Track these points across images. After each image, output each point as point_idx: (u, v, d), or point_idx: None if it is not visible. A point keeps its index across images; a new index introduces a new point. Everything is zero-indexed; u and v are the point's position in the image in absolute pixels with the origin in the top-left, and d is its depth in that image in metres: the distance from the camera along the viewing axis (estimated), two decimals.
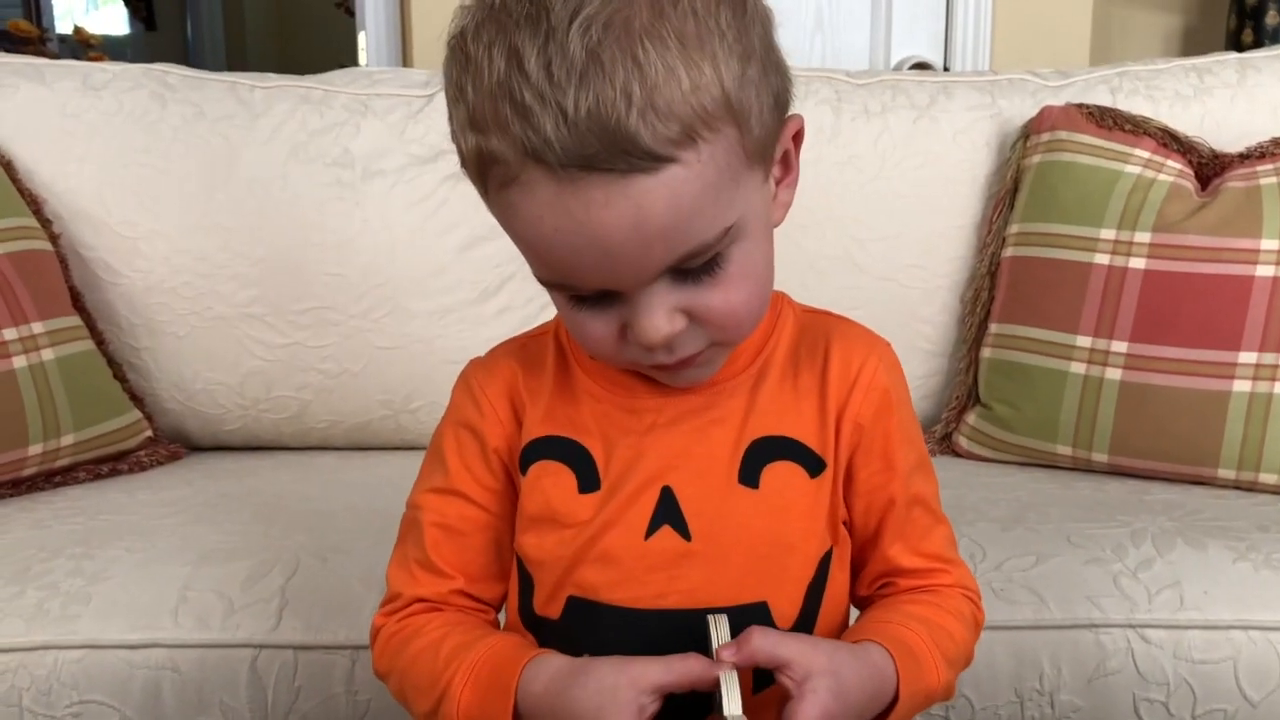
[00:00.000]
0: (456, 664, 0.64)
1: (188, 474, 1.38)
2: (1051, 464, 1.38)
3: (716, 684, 0.58)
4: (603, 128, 0.53)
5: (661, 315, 0.59)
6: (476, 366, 0.73)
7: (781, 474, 0.67)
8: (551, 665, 0.62)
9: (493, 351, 0.74)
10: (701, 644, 0.61)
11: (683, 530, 0.66)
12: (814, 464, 0.67)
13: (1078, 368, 1.34)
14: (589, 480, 0.67)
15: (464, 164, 0.60)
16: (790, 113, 0.63)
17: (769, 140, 0.61)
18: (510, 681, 0.62)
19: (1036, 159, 1.46)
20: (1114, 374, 1.32)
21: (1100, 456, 1.33)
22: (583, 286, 0.59)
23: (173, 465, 1.43)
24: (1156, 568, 1.04)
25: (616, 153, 0.53)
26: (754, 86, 0.57)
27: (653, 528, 0.66)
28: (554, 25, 0.53)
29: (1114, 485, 1.29)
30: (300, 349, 1.45)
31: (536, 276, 0.61)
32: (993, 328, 1.44)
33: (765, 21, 0.59)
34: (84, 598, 1.00)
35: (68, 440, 1.31)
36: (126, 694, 0.97)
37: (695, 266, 0.59)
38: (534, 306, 1.49)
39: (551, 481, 0.68)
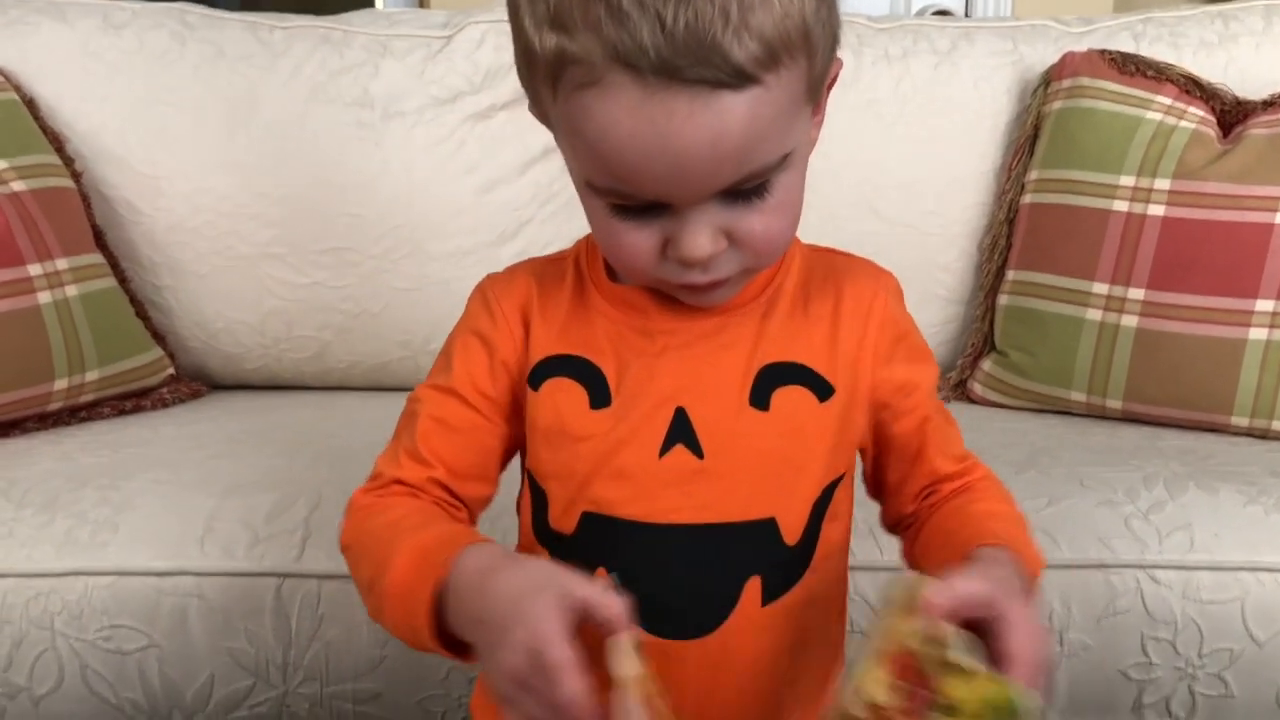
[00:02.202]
0: (408, 540, 0.63)
1: (210, 411, 1.40)
2: (1066, 410, 1.38)
3: (622, 627, 0.56)
4: (699, 41, 0.54)
5: (706, 234, 0.61)
6: (494, 279, 0.74)
7: (791, 397, 0.69)
8: (487, 550, 0.61)
9: (511, 268, 0.75)
10: (716, 555, 0.63)
11: (695, 449, 0.67)
12: (822, 389, 0.69)
13: (1094, 314, 1.35)
14: (600, 396, 0.69)
15: (530, 64, 0.60)
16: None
17: (823, 77, 0.62)
18: (447, 559, 0.60)
19: (1057, 105, 1.45)
20: (1130, 321, 1.32)
21: (1114, 403, 1.34)
22: (640, 196, 0.60)
23: (195, 402, 1.45)
24: (1168, 510, 1.05)
25: (708, 66, 0.55)
26: (824, 23, 0.59)
27: (666, 446, 0.67)
28: None
29: (1128, 431, 1.30)
30: (320, 289, 1.46)
31: (586, 182, 0.62)
32: (1010, 274, 1.45)
33: None
34: (112, 526, 1.02)
35: (92, 376, 1.32)
36: (154, 620, 0.99)
37: (747, 189, 0.60)
38: (551, 250, 1.48)
39: (564, 397, 0.69)
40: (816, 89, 0.63)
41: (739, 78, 0.56)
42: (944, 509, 0.73)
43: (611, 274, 0.71)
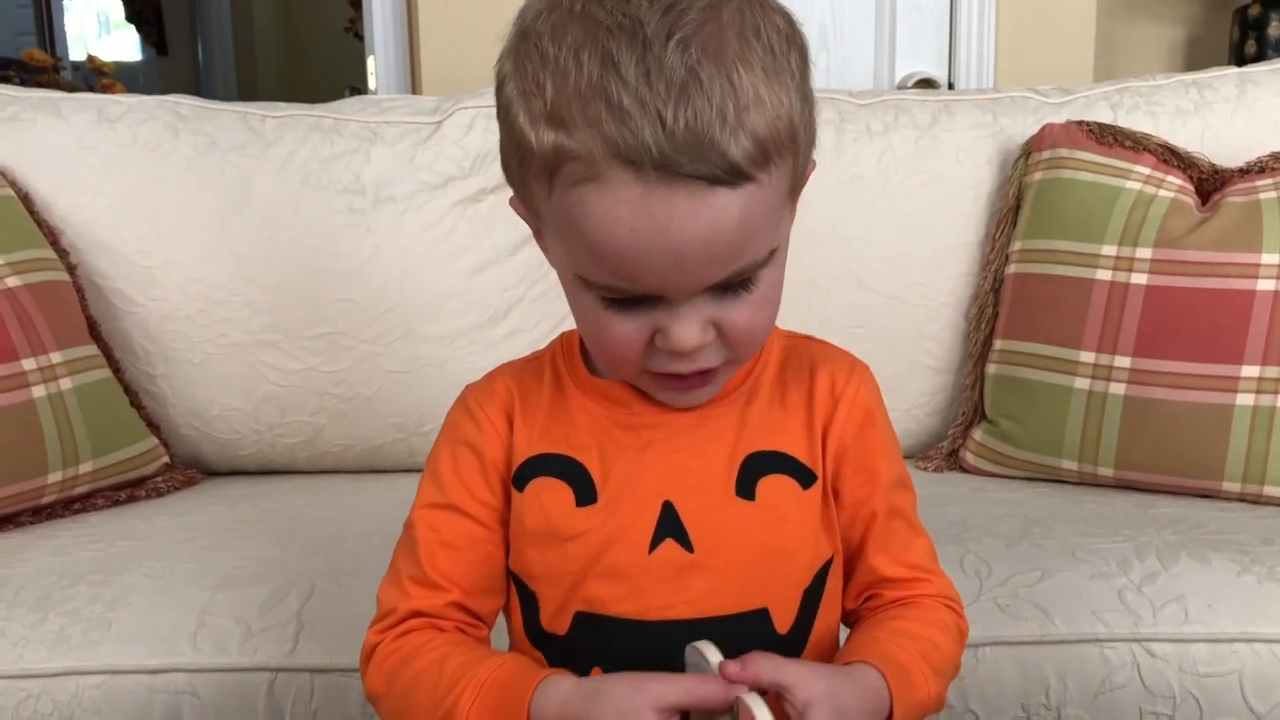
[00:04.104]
0: (463, 684, 0.65)
1: (204, 499, 1.40)
2: (1057, 479, 1.39)
3: (731, 707, 0.59)
4: (698, 139, 0.56)
5: (696, 325, 0.62)
6: (472, 388, 0.75)
7: (776, 486, 0.70)
8: (563, 686, 0.63)
9: (489, 375, 0.76)
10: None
11: (685, 543, 0.68)
12: (805, 476, 0.70)
13: (1082, 383, 1.36)
14: (585, 494, 0.69)
15: (523, 160, 0.61)
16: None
17: (804, 175, 0.65)
18: (521, 703, 0.62)
19: (1038, 176, 1.47)
20: (1118, 389, 1.33)
21: (1105, 471, 1.34)
22: (636, 289, 0.61)
23: (189, 490, 1.45)
24: (1161, 581, 1.05)
25: (707, 164, 0.57)
26: (806, 124, 0.62)
27: (656, 541, 0.68)
28: (650, 39, 0.56)
29: (1119, 499, 1.30)
30: (314, 374, 1.47)
31: (578, 276, 0.63)
32: (997, 344, 1.46)
33: (811, 69, 0.63)
34: (104, 624, 1.02)
35: (86, 468, 1.33)
36: (147, 718, 0.98)
37: (735, 283, 0.62)
38: (542, 329, 1.52)
39: (549, 497, 0.70)
40: (798, 187, 0.65)
41: (735, 175, 0.57)
42: (872, 617, 0.73)
43: (590, 369, 0.73)
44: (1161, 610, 1.03)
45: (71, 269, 1.44)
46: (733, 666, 0.60)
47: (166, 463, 1.45)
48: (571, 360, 0.73)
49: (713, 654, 0.62)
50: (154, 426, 1.46)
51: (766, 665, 0.60)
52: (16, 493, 1.26)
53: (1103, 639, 1.02)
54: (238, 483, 1.49)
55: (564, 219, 0.61)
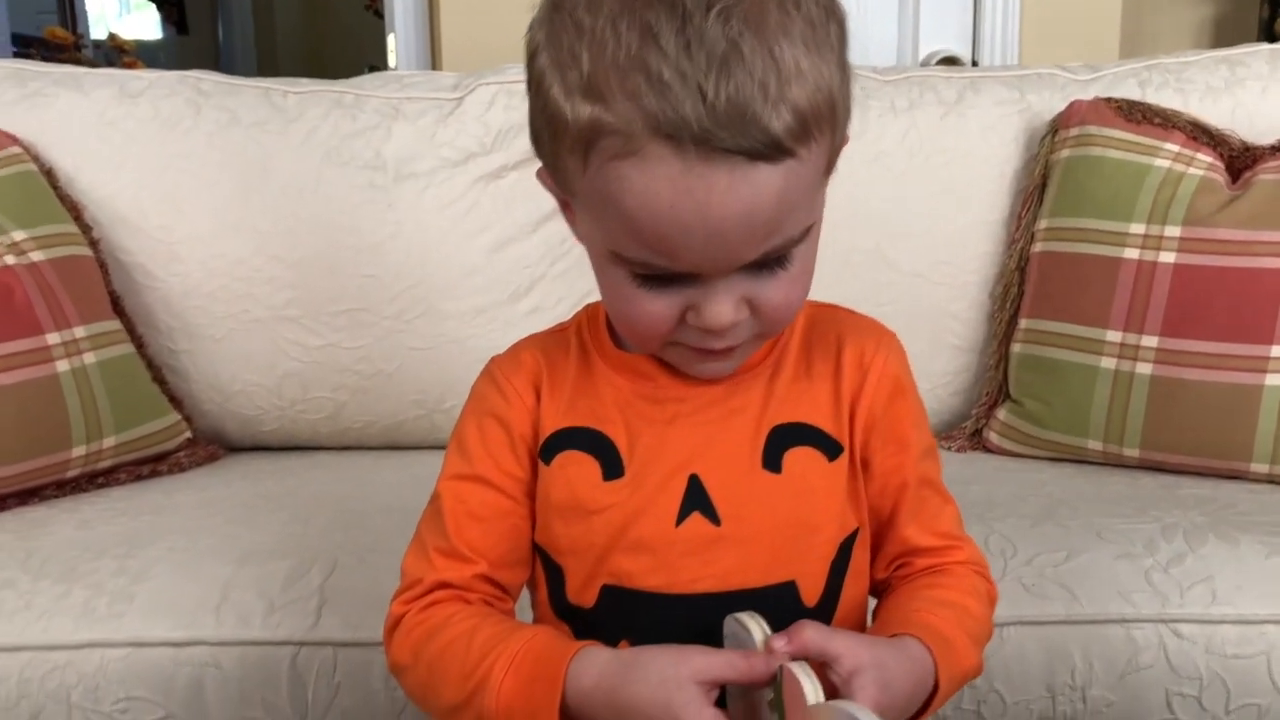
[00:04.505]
0: (494, 655, 0.64)
1: (226, 475, 1.40)
2: (1082, 459, 1.38)
3: (773, 678, 0.59)
4: (740, 113, 0.55)
5: (730, 303, 0.62)
6: (499, 360, 0.74)
7: (802, 458, 0.69)
8: (600, 657, 0.62)
9: (514, 347, 0.75)
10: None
11: (712, 516, 0.68)
12: (831, 448, 0.70)
13: (1108, 363, 1.34)
14: (613, 467, 0.69)
15: (556, 134, 0.60)
16: None
17: (839, 150, 0.64)
18: (557, 673, 0.62)
19: (1065, 154, 1.45)
20: (1145, 369, 1.32)
21: (1131, 451, 1.33)
22: (672, 266, 0.60)
23: (211, 466, 1.46)
24: (1188, 563, 1.04)
25: (747, 138, 0.55)
26: (845, 98, 0.61)
27: (683, 514, 0.68)
28: (690, 10, 0.55)
29: (1145, 480, 1.29)
30: (336, 350, 1.47)
31: (611, 251, 0.62)
32: (1022, 323, 1.44)
33: (849, 41, 0.62)
34: (128, 597, 1.02)
35: (109, 442, 1.33)
36: (171, 691, 0.99)
37: (770, 260, 0.61)
38: (564, 306, 1.51)
39: (576, 470, 0.69)
40: (834, 162, 0.64)
41: (776, 150, 0.56)
42: (906, 586, 0.73)
43: (617, 342, 0.72)
44: (1189, 591, 1.02)
45: (94, 244, 1.44)
46: (779, 641, 0.60)
47: (189, 438, 1.46)
48: (597, 333, 0.73)
49: (756, 626, 0.61)
50: (176, 402, 1.47)
51: (814, 636, 0.60)
52: (41, 466, 1.27)
53: (1129, 619, 1.01)
54: (260, 458, 1.49)
55: (599, 194, 0.59)
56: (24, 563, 1.06)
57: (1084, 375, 1.36)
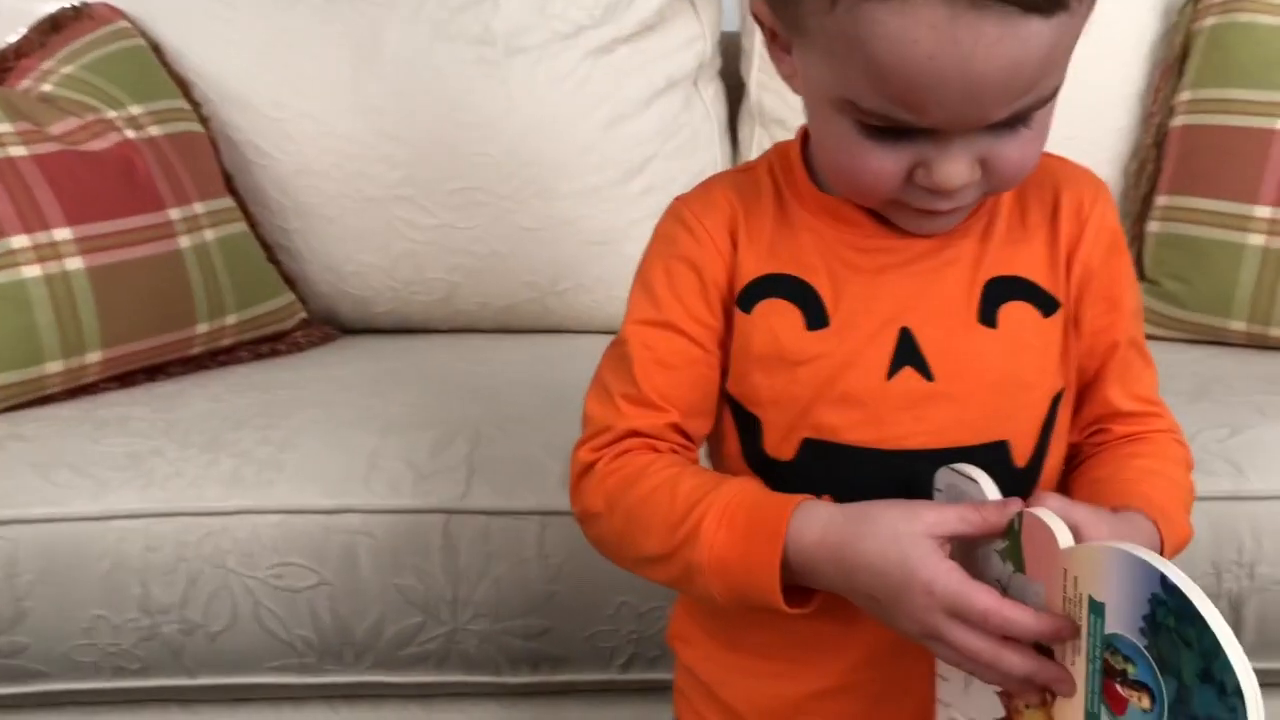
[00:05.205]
0: (705, 505, 0.62)
1: (345, 354, 1.40)
2: (1223, 340, 1.33)
3: (1002, 532, 0.56)
4: None
5: (966, 163, 0.58)
6: (688, 199, 0.70)
7: (1017, 313, 0.66)
8: (825, 512, 0.60)
9: (704, 185, 0.71)
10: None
11: (924, 371, 0.65)
12: (1047, 303, 0.67)
13: (1255, 239, 1.29)
14: (817, 317, 0.66)
15: None
16: None
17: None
18: (778, 527, 0.60)
19: (1210, 21, 1.38)
20: None
21: (1278, 332, 1.28)
22: (917, 121, 0.56)
23: (328, 346, 1.45)
24: None
25: None
26: None
27: (894, 369, 0.65)
28: None
29: None
30: (450, 230, 1.45)
31: (841, 98, 0.58)
32: (1160, 200, 1.39)
33: None
34: (277, 465, 1.02)
35: (231, 320, 1.33)
36: (324, 557, 0.99)
37: (1014, 119, 0.58)
38: (677, 185, 1.43)
39: (779, 319, 0.66)
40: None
41: (1052, 2, 0.52)
42: (1105, 453, 0.70)
43: (817, 183, 0.68)
44: None
45: (204, 121, 1.42)
46: (1014, 502, 0.57)
47: (304, 318, 1.45)
48: (791, 174, 0.69)
49: (984, 480, 0.59)
50: (290, 282, 1.45)
51: (1059, 504, 0.57)
52: (167, 343, 1.26)
53: None
54: (376, 340, 1.48)
55: (845, 36, 0.55)
56: (167, 431, 1.06)
57: (1229, 253, 1.30)
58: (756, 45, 1.52)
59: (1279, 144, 1.29)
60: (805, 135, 0.69)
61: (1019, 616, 0.54)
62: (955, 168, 0.58)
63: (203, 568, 0.98)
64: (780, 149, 0.71)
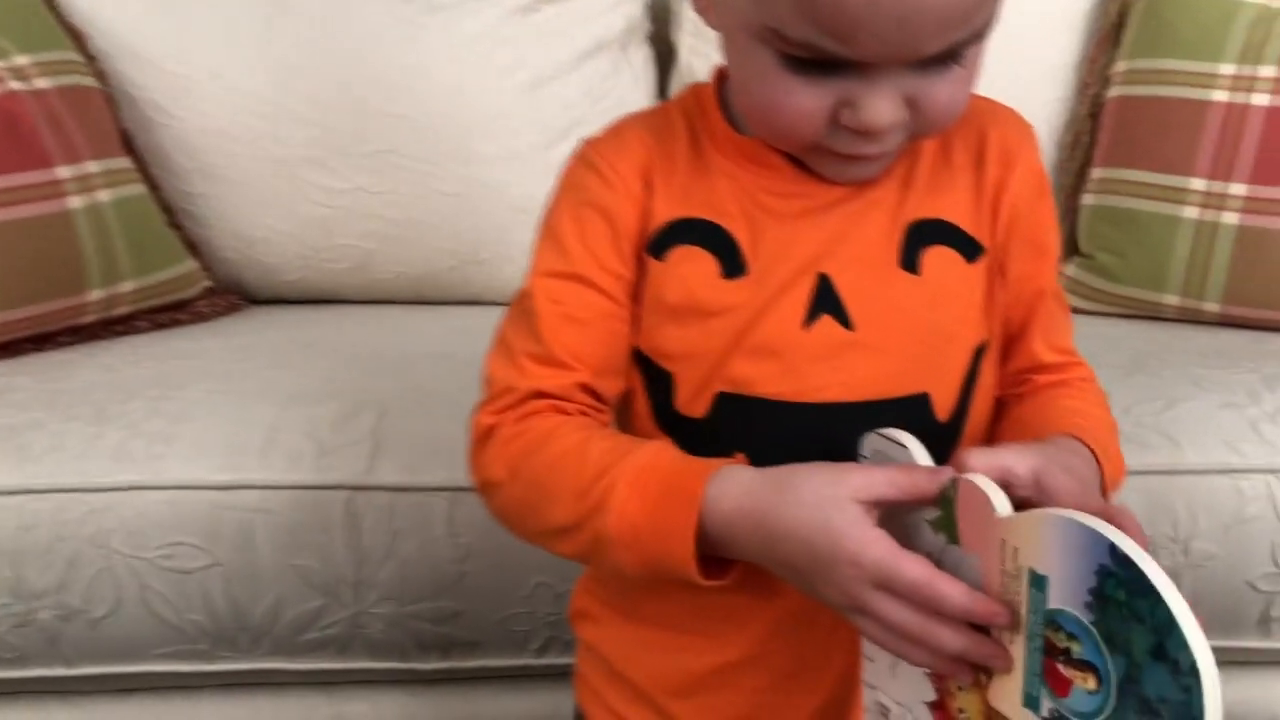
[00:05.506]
0: (616, 472, 0.57)
1: (252, 324, 1.33)
2: (1157, 315, 1.31)
3: (934, 500, 0.52)
4: None
5: (892, 101, 0.55)
6: (598, 141, 0.65)
7: (940, 259, 0.62)
8: (743, 476, 0.55)
9: (615, 125, 0.66)
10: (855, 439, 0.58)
11: (843, 319, 0.61)
12: (971, 248, 0.63)
13: (1190, 212, 1.27)
14: (733, 265, 0.61)
15: None
16: None
17: None
18: (694, 493, 0.55)
19: None
20: (1230, 218, 1.24)
21: (1212, 306, 1.26)
22: (843, 52, 0.52)
23: (233, 316, 1.38)
24: None
25: None
26: None
27: (811, 317, 0.61)
28: None
29: (1229, 335, 1.23)
30: (363, 194, 1.38)
31: (765, 26, 0.53)
32: (1095, 173, 1.36)
33: None
34: (166, 438, 0.95)
35: (128, 287, 1.25)
36: (217, 536, 0.92)
37: (945, 55, 0.54)
38: None
39: (692, 267, 0.62)
40: None
41: None
42: (1033, 400, 0.67)
43: (733, 126, 0.64)
44: None
45: (100, 76, 1.33)
46: (947, 470, 0.52)
47: (209, 286, 1.37)
48: (707, 117, 0.64)
49: (915, 445, 0.54)
50: (193, 248, 1.37)
51: (979, 456, 0.52)
52: (55, 310, 1.18)
53: (1236, 470, 0.95)
54: (285, 310, 1.41)
55: None
56: (49, 402, 0.99)
57: (1164, 226, 1.28)
58: (687, 9, 1.47)
59: (1214, 115, 1.27)
60: (721, 77, 0.64)
61: (951, 591, 0.49)
62: (883, 106, 0.54)
63: (83, 548, 0.91)
64: (694, 89, 0.66)
